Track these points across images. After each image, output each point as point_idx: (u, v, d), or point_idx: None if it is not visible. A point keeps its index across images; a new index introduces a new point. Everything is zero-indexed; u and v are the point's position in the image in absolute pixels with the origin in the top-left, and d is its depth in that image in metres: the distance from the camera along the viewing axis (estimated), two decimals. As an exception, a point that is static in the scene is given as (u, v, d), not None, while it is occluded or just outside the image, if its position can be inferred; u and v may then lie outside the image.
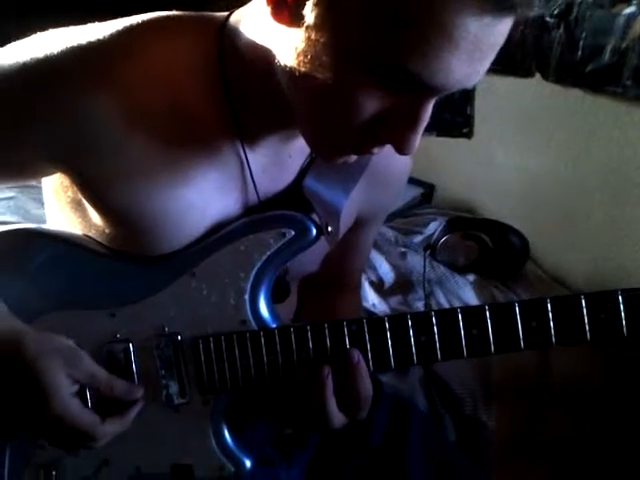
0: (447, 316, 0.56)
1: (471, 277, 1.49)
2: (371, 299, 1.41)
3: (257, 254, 0.60)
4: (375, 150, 0.52)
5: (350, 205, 0.66)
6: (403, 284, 1.50)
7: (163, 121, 0.55)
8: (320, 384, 0.56)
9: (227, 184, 0.60)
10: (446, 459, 0.81)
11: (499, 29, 0.42)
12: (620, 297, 0.52)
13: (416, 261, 1.56)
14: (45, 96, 0.52)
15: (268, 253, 0.60)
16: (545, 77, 1.59)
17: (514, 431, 1.15)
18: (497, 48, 0.44)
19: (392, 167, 0.71)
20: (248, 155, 0.59)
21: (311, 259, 0.67)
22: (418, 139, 0.48)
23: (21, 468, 0.63)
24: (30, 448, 0.62)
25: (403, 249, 1.62)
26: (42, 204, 0.72)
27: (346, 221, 0.68)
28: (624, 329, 0.53)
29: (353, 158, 0.54)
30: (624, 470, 1.06)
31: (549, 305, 0.54)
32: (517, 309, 0.54)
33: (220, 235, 0.61)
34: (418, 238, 1.70)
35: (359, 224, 0.74)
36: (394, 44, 0.42)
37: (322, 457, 0.77)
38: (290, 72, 0.48)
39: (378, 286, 1.47)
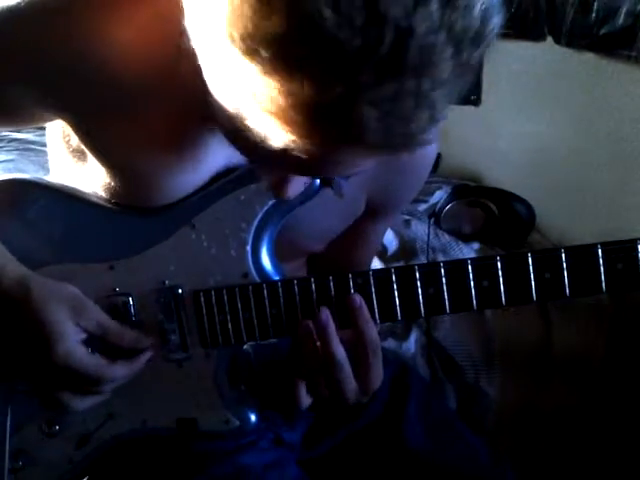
0: (456, 267, 0.54)
1: (475, 245, 1.48)
2: (373, 265, 1.39)
3: (258, 204, 0.58)
4: None
5: (353, 186, 0.62)
6: (406, 252, 1.48)
7: (160, 71, 0.51)
8: (323, 328, 0.54)
9: None
10: (446, 425, 0.80)
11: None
12: (639, 246, 0.50)
13: (420, 229, 1.54)
14: (43, 30, 0.50)
15: (270, 203, 0.58)
16: (557, 40, 1.54)
17: (515, 400, 1.15)
18: None
19: (415, 155, 0.66)
20: None
21: (320, 221, 0.65)
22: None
23: (23, 422, 0.62)
24: (33, 402, 0.62)
25: (407, 217, 1.60)
26: (41, 167, 0.70)
27: (349, 202, 0.65)
28: (642, 280, 0.51)
29: None
30: (623, 441, 1.06)
31: (563, 255, 0.52)
32: (530, 260, 0.52)
33: (219, 185, 0.59)
34: (423, 206, 1.68)
35: (371, 213, 0.71)
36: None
37: (322, 421, 0.76)
38: None
39: (381, 253, 1.46)
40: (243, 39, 0.34)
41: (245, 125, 0.39)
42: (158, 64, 0.50)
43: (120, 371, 0.58)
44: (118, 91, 0.51)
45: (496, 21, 0.36)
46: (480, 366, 1.17)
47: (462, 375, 1.18)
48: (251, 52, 0.34)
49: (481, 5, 0.35)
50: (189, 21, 0.40)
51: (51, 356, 0.54)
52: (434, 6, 0.33)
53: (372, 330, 0.55)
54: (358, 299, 0.55)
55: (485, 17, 0.35)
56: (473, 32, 0.35)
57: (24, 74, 0.52)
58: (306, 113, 0.35)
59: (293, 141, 0.37)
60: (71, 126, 0.56)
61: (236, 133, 0.41)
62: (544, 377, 1.15)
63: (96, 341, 0.58)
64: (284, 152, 0.38)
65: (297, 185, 0.49)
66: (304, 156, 0.38)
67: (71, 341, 0.55)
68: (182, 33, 0.40)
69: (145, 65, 0.51)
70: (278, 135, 0.37)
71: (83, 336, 0.56)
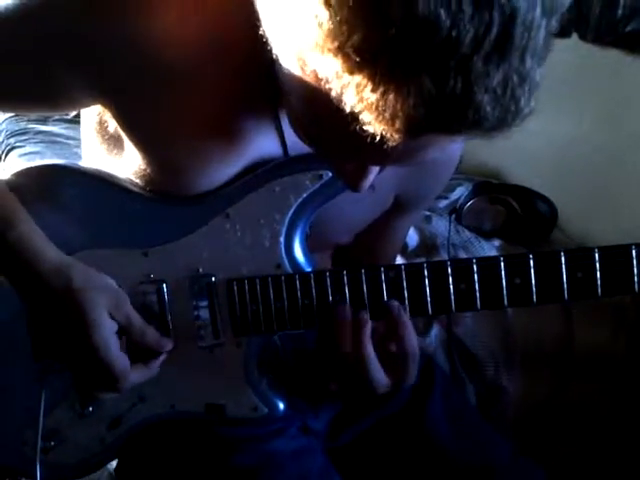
0: (489, 264, 0.54)
1: (496, 242, 1.47)
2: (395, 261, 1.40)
3: (293, 196, 0.59)
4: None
5: (383, 179, 0.63)
6: (427, 248, 1.48)
7: (206, 56, 0.52)
8: (358, 328, 0.55)
9: (265, 126, 0.59)
10: (467, 419, 0.81)
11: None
12: (674, 247, 0.50)
13: (441, 225, 1.54)
14: (91, 21, 0.51)
15: (304, 195, 0.59)
16: (582, 37, 1.52)
17: (535, 398, 1.15)
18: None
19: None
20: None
21: (350, 212, 0.65)
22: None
23: (57, 401, 0.64)
24: (68, 382, 0.63)
25: (428, 213, 1.59)
26: (67, 160, 0.71)
27: (379, 194, 0.65)
28: (674, 281, 0.51)
29: None
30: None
31: (597, 255, 0.52)
32: (563, 259, 0.53)
33: (255, 175, 0.60)
34: (443, 202, 1.67)
35: (398, 207, 0.72)
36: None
37: (346, 410, 0.77)
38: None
39: (402, 248, 1.46)
40: (355, 51, 0.34)
41: (352, 130, 0.38)
42: (206, 49, 0.51)
43: (135, 377, 0.59)
44: (162, 75, 0.52)
45: None
46: (500, 363, 1.17)
47: (482, 371, 1.18)
48: (364, 62, 0.35)
49: None
50: (269, 29, 0.40)
51: (88, 343, 0.55)
52: None
53: (412, 339, 0.56)
54: (397, 307, 0.56)
55: None
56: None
57: (67, 59, 0.53)
58: (425, 111, 0.36)
59: (404, 136, 0.38)
60: (110, 111, 0.57)
61: (332, 136, 0.41)
62: (565, 375, 1.15)
63: (124, 336, 0.59)
64: (392, 148, 0.39)
65: (373, 176, 0.50)
66: (406, 148, 0.39)
67: (107, 331, 0.56)
68: (237, 21, 0.40)
69: (192, 49, 0.51)
70: (390, 134, 0.37)
71: (116, 327, 0.58)
